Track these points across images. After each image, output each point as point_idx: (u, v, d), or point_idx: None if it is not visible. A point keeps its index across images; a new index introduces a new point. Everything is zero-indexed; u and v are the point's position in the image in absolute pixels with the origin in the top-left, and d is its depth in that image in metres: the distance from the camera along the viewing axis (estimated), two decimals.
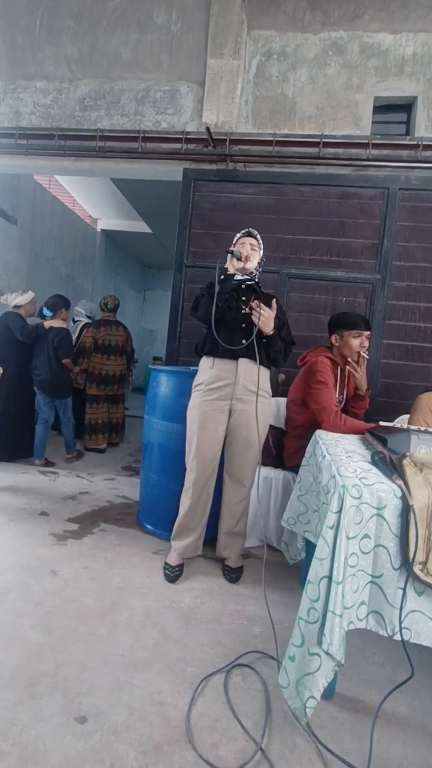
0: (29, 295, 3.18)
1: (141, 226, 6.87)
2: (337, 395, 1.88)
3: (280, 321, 1.75)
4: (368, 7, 2.78)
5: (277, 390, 2.81)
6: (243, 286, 1.74)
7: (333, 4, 2.81)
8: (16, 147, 3.02)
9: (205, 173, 2.90)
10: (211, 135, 2.75)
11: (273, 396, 2.48)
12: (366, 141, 2.69)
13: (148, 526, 2.11)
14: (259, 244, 1.75)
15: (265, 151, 2.79)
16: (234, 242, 1.78)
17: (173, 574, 1.69)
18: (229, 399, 1.66)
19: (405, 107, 2.90)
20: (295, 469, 1.87)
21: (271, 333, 1.64)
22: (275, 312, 1.65)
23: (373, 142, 2.69)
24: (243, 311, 1.69)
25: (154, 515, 2.08)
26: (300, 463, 1.65)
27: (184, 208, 2.91)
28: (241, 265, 1.68)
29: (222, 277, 1.63)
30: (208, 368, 1.69)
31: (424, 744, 1.06)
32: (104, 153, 2.94)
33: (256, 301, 1.63)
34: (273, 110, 2.89)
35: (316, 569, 0.98)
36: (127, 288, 9.41)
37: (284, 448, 2.09)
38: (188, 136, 2.85)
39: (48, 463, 3.12)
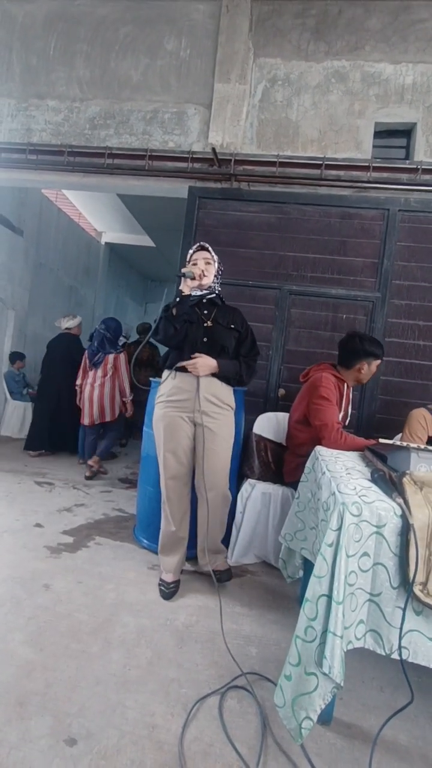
0: (78, 320, 3.88)
1: (144, 240, 6.99)
2: (341, 413, 1.88)
3: (240, 334, 1.77)
4: (369, 39, 2.90)
5: (277, 405, 2.81)
6: (204, 300, 1.75)
7: (335, 35, 2.93)
8: (26, 162, 3.10)
9: (210, 191, 2.97)
10: (217, 155, 2.83)
11: (272, 410, 2.50)
12: (367, 164, 2.77)
13: (144, 541, 2.08)
14: (213, 256, 1.76)
15: (269, 172, 2.87)
16: (187, 259, 1.79)
17: (169, 591, 1.65)
18: (191, 411, 1.65)
19: (404, 133, 2.99)
20: (294, 484, 1.85)
21: (217, 372, 1.66)
22: (210, 362, 1.65)
23: (374, 165, 2.77)
24: (205, 324, 1.71)
25: (151, 529, 2.05)
26: (299, 479, 1.64)
27: (188, 224, 2.97)
28: (196, 283, 1.69)
29: (177, 299, 1.64)
30: (169, 380, 1.68)
31: None
32: (112, 170, 3.01)
33: (188, 361, 1.64)
34: (277, 133, 2.97)
35: (315, 587, 0.97)
36: (129, 300, 9.51)
37: (284, 464, 2.08)
38: (194, 156, 2.93)
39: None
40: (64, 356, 3.68)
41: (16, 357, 4.66)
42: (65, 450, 3.75)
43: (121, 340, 3.57)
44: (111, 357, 3.26)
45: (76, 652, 1.29)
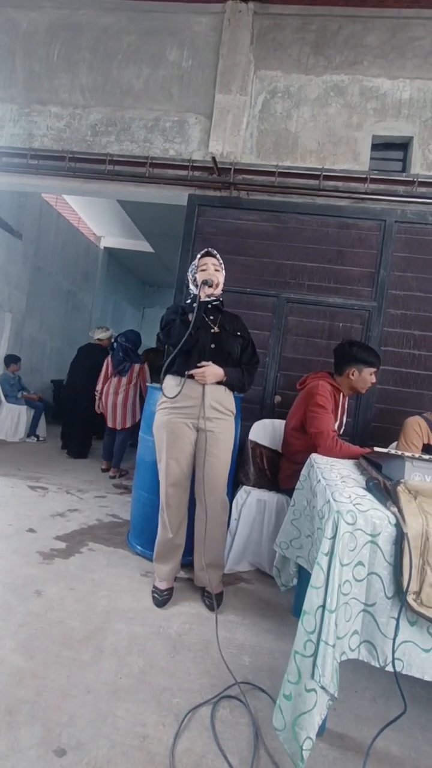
0: (109, 333, 4.19)
1: (143, 245, 7.03)
2: (336, 421, 1.89)
3: (244, 341, 1.78)
4: (367, 54, 2.96)
5: (273, 412, 2.82)
6: (209, 306, 1.77)
7: (335, 50, 3.00)
8: (28, 167, 3.11)
9: (210, 199, 3.00)
10: (217, 164, 2.86)
11: (269, 417, 2.50)
12: (364, 176, 2.82)
13: (138, 547, 2.07)
14: (220, 263, 1.78)
15: (268, 181, 2.90)
16: (196, 264, 1.80)
17: (162, 599, 1.64)
18: (195, 417, 1.65)
19: (401, 146, 3.05)
20: (289, 491, 1.85)
21: (224, 380, 1.68)
22: (218, 371, 1.66)
23: (371, 177, 2.81)
24: (212, 331, 1.72)
25: (145, 535, 2.04)
26: (295, 486, 1.64)
27: (187, 231, 2.99)
28: (212, 290, 1.71)
29: (195, 305, 1.65)
30: (174, 386, 1.67)
31: None
32: (113, 176, 3.04)
33: (195, 369, 1.65)
34: (276, 143, 3.02)
35: (312, 599, 0.95)
36: (127, 305, 9.53)
37: (280, 471, 2.08)
38: (194, 164, 2.96)
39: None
40: (91, 365, 3.92)
41: (11, 360, 4.64)
42: (80, 455, 3.97)
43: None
44: (137, 366, 3.53)
45: (68, 659, 1.27)
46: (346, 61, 2.98)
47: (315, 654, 0.92)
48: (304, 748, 0.89)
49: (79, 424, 3.98)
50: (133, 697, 1.17)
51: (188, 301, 1.77)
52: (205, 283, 1.67)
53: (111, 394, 3.48)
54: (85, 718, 1.08)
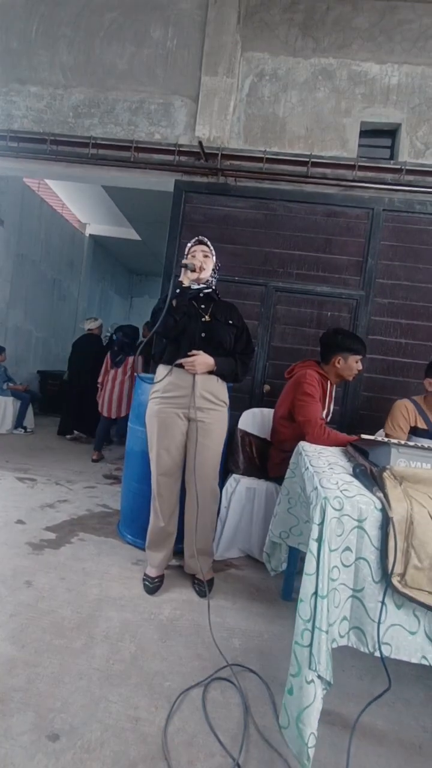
0: (98, 322, 4.57)
1: (130, 233, 6.89)
2: (324, 410, 1.91)
3: (238, 330, 1.77)
4: (356, 37, 2.91)
5: (262, 400, 2.83)
6: (201, 295, 1.75)
7: (323, 32, 2.94)
8: (7, 149, 3.00)
9: (197, 186, 2.94)
10: (204, 149, 2.80)
11: (257, 406, 2.52)
12: (353, 163, 2.80)
13: (128, 536, 2.08)
14: (211, 250, 1.76)
15: (256, 167, 2.86)
16: (186, 252, 1.79)
17: (153, 586, 1.66)
18: (186, 407, 1.65)
19: (389, 133, 3.03)
20: (278, 479, 1.88)
21: (214, 370, 1.66)
22: (208, 360, 1.65)
23: (360, 164, 2.80)
24: (203, 319, 1.70)
25: (135, 525, 2.05)
26: (284, 474, 1.66)
27: (174, 218, 2.94)
28: (195, 275, 1.69)
29: (177, 290, 1.64)
30: (164, 376, 1.68)
31: (400, 756, 1.07)
32: (96, 160, 2.95)
33: (186, 358, 1.64)
34: (264, 128, 2.97)
35: (307, 586, 0.95)
36: (114, 294, 9.37)
37: (269, 459, 2.11)
38: (181, 149, 2.89)
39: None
40: (87, 353, 4.35)
41: None
42: (85, 431, 4.32)
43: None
44: (131, 359, 3.78)
45: (59, 647, 1.28)
46: (335, 44, 2.93)
47: (311, 643, 0.92)
48: (309, 745, 0.88)
49: (90, 409, 4.24)
50: (125, 681, 1.19)
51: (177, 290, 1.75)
52: (185, 266, 1.65)
53: (109, 384, 3.79)
54: (78, 703, 1.10)
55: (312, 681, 0.92)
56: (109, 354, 3.87)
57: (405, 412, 1.95)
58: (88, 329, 4.52)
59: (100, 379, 3.86)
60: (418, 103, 2.89)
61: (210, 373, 1.67)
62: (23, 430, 4.43)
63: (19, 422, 4.44)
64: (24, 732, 1.00)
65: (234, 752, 1.01)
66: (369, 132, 3.02)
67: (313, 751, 0.89)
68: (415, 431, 1.92)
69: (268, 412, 2.32)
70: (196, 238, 1.78)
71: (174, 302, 1.62)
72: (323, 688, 0.93)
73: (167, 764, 0.96)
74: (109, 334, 4.70)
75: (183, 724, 1.08)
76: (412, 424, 1.93)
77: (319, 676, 0.92)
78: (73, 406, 4.37)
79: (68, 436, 4.35)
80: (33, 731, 1.00)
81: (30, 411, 4.56)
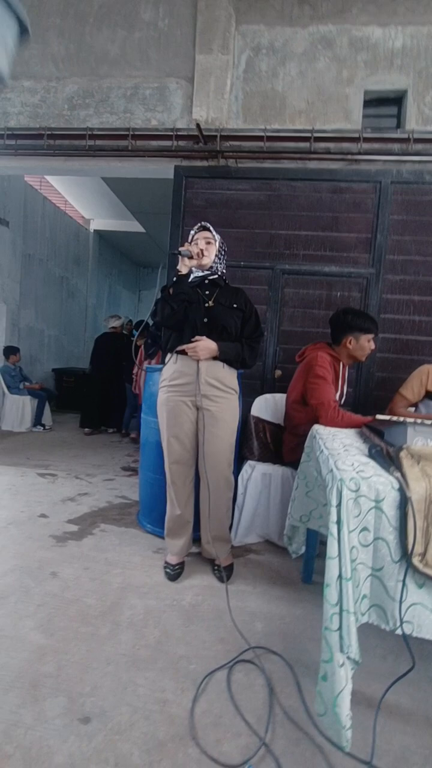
0: (121, 320, 4.84)
1: (134, 226, 6.85)
2: (337, 392, 1.88)
3: (244, 314, 1.72)
4: (356, 0, 2.77)
5: (274, 386, 2.81)
6: (206, 282, 1.72)
7: None
8: (5, 148, 3.00)
9: (197, 170, 2.88)
10: (202, 131, 2.74)
11: (269, 392, 2.50)
12: (357, 135, 2.69)
13: (148, 526, 2.11)
14: (214, 236, 1.72)
15: (256, 147, 2.78)
16: (189, 239, 1.75)
17: (174, 573, 1.69)
18: (193, 395, 1.64)
19: (395, 100, 2.90)
20: (294, 464, 1.87)
21: (217, 355, 1.63)
22: (211, 345, 1.62)
23: (365, 136, 2.69)
24: (206, 305, 1.67)
25: (154, 514, 2.07)
26: (299, 458, 1.65)
27: (176, 205, 2.90)
28: (194, 262, 1.65)
29: (174, 279, 1.60)
30: (171, 364, 1.67)
31: (427, 734, 1.06)
32: (94, 152, 2.92)
33: (189, 343, 1.61)
34: (263, 105, 2.87)
35: (332, 570, 0.94)
36: (122, 288, 9.39)
37: (283, 444, 2.09)
38: (178, 133, 2.83)
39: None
40: (110, 350, 4.58)
41: (10, 351, 4.62)
42: (112, 425, 4.66)
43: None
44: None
45: (86, 635, 1.32)
46: (334, 10, 2.79)
47: (340, 627, 0.92)
48: (346, 727, 0.89)
49: (115, 403, 4.60)
50: (151, 666, 1.22)
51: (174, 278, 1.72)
52: (180, 254, 1.62)
53: (143, 374, 4.06)
54: (107, 687, 1.13)
55: (343, 664, 0.92)
56: (142, 346, 4.01)
57: (425, 377, 1.94)
58: (111, 327, 4.75)
59: (135, 371, 4.17)
60: (424, 66, 2.75)
61: (215, 358, 1.64)
62: (42, 428, 4.53)
63: (37, 420, 4.54)
64: (57, 716, 1.03)
65: (260, 732, 1.02)
66: (373, 101, 2.89)
67: (351, 733, 0.90)
68: (430, 395, 1.92)
69: (280, 398, 2.30)
70: (199, 224, 1.75)
71: (170, 290, 1.60)
72: (352, 668, 0.94)
73: (195, 743, 0.98)
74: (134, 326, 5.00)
75: (209, 705, 1.10)
76: (429, 389, 1.92)
77: (348, 658, 0.92)
78: (97, 402, 4.56)
79: (86, 430, 4.49)
80: (65, 715, 1.04)
81: (47, 409, 4.65)
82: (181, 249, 1.63)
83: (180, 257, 1.63)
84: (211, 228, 1.73)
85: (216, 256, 1.73)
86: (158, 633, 1.36)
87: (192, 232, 1.76)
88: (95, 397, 4.55)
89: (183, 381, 1.64)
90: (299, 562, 1.82)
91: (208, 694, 1.13)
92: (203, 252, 1.67)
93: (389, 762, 0.97)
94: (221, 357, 1.64)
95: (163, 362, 1.76)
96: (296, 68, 2.84)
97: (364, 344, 1.87)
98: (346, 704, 0.91)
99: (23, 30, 0.82)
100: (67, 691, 1.11)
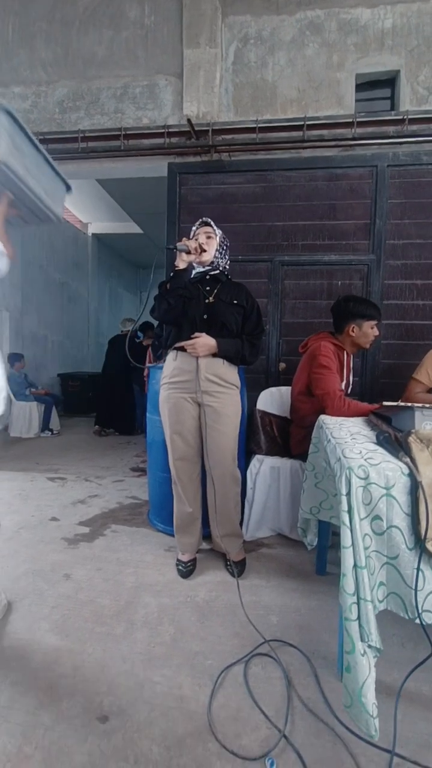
0: (135, 323, 4.87)
1: (132, 227, 6.85)
2: (342, 381, 1.85)
3: (245, 310, 1.70)
4: None
5: (279, 379, 2.79)
6: (207, 277, 1.70)
7: None
8: None
9: (190, 166, 2.87)
10: (193, 127, 2.72)
11: (274, 385, 2.48)
12: (350, 120, 2.65)
13: (159, 524, 2.11)
14: (215, 231, 1.70)
15: (249, 139, 2.76)
16: (191, 236, 1.73)
17: (186, 570, 1.68)
18: (193, 391, 1.62)
19: (388, 82, 2.85)
20: (302, 456, 1.85)
21: (216, 352, 1.61)
22: (209, 342, 1.60)
23: (358, 120, 2.65)
24: (206, 301, 1.65)
25: (164, 512, 2.07)
26: (308, 450, 1.63)
27: (171, 202, 2.89)
28: (192, 257, 1.63)
29: (171, 274, 1.59)
30: (171, 361, 1.66)
31: None
32: (87, 153, 2.92)
33: (187, 341, 1.60)
34: (254, 96, 2.85)
35: (347, 559, 0.93)
36: (123, 291, 9.40)
37: (291, 437, 2.08)
38: (170, 130, 2.82)
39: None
40: (119, 352, 4.62)
41: (14, 358, 4.65)
42: (115, 426, 4.70)
43: (140, 336, 4.53)
44: None
45: (101, 635, 1.32)
46: None
47: (359, 616, 0.91)
48: (374, 716, 0.89)
49: (120, 405, 4.65)
50: (167, 663, 1.21)
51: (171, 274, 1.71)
52: (176, 248, 1.60)
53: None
54: (124, 686, 1.13)
55: (365, 653, 0.91)
56: (150, 348, 4.08)
57: None
58: (124, 330, 4.89)
59: (145, 373, 4.27)
60: (416, 45, 2.70)
61: (214, 355, 1.63)
62: (50, 433, 4.56)
63: (45, 425, 4.57)
64: (75, 716, 1.03)
65: (280, 724, 1.01)
66: (366, 84, 2.85)
67: (378, 721, 0.89)
68: None
69: (285, 391, 2.28)
70: (201, 219, 1.73)
71: (167, 285, 1.59)
72: (374, 657, 0.93)
73: (215, 738, 0.98)
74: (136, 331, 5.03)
75: (227, 699, 1.09)
76: None
77: (369, 646, 0.91)
78: (104, 405, 4.67)
79: (96, 428, 4.63)
80: (83, 714, 1.04)
81: (54, 414, 4.68)
82: (177, 244, 1.61)
83: (177, 252, 1.61)
84: (212, 223, 1.71)
85: (217, 250, 1.71)
86: (173, 630, 1.36)
87: (193, 228, 1.74)
88: (103, 397, 4.69)
89: (183, 378, 1.63)
90: (312, 554, 1.80)
91: (225, 689, 1.13)
92: (202, 246, 1.65)
93: (412, 749, 0.96)
94: (220, 354, 1.63)
95: (163, 359, 1.76)
96: (285, 56, 2.81)
97: (368, 331, 1.85)
98: (371, 693, 0.90)
99: (68, 188, 1.49)
100: (84, 690, 1.11)
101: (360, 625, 0.91)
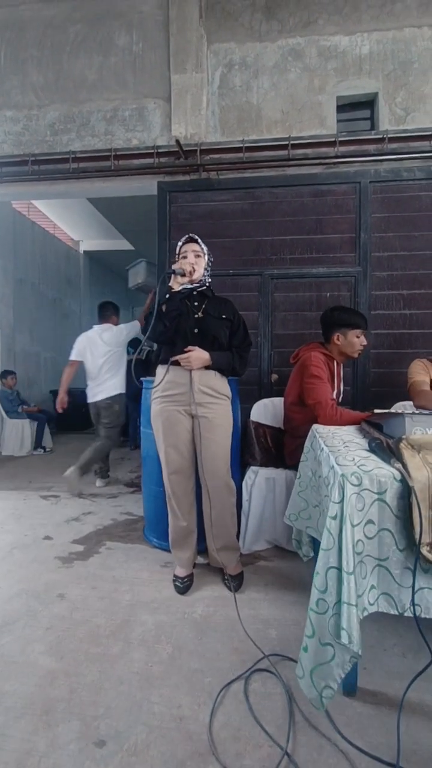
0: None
1: (123, 244, 6.94)
2: (334, 390, 1.88)
3: (233, 324, 1.74)
4: (321, 12, 2.87)
5: (271, 390, 2.81)
6: (194, 293, 1.74)
7: (287, 12, 2.90)
8: None
9: (179, 185, 2.94)
10: (182, 147, 2.80)
11: (267, 397, 2.50)
12: (333, 139, 2.76)
13: (155, 540, 2.08)
14: (203, 248, 1.73)
15: (236, 158, 2.85)
16: (177, 251, 1.76)
17: (183, 586, 1.66)
18: (187, 404, 1.64)
19: (367, 104, 2.98)
20: (296, 466, 1.85)
21: (210, 365, 1.64)
22: (203, 355, 1.63)
23: (340, 139, 2.75)
24: (195, 316, 1.69)
25: (159, 528, 2.04)
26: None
27: (161, 220, 2.95)
28: (186, 279, 1.67)
29: (167, 296, 1.63)
30: (162, 375, 1.67)
31: None
32: (78, 174, 2.98)
33: (181, 355, 1.63)
34: (240, 118, 2.95)
35: (323, 560, 0.98)
36: None
37: (285, 447, 2.08)
38: (159, 150, 2.90)
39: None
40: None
41: (5, 375, 4.62)
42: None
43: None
44: None
45: (97, 655, 1.29)
46: (300, 22, 2.89)
47: (330, 612, 0.95)
48: (323, 695, 0.96)
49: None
50: (165, 682, 1.19)
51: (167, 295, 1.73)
52: (174, 273, 1.64)
53: None
54: (121, 708, 1.10)
55: (328, 644, 0.96)
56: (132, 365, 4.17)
57: (423, 368, 1.96)
58: None
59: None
60: (392, 69, 2.83)
61: (207, 368, 1.65)
62: (42, 450, 4.50)
63: (38, 443, 4.51)
64: (70, 741, 1.00)
65: (281, 741, 0.99)
66: (346, 106, 2.97)
67: (328, 701, 0.97)
68: None
69: (278, 401, 2.30)
70: (187, 235, 1.76)
71: (164, 307, 1.62)
72: (351, 657, 0.95)
73: (216, 759, 0.95)
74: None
75: (227, 718, 1.07)
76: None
77: (341, 644, 0.94)
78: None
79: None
80: (79, 739, 1.01)
81: (47, 431, 4.63)
82: (174, 268, 1.65)
83: (174, 275, 1.65)
84: (199, 240, 1.75)
85: (204, 268, 1.75)
86: (171, 648, 1.33)
87: (179, 243, 1.78)
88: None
89: (176, 391, 1.64)
90: (310, 566, 1.79)
91: (225, 707, 1.10)
92: (194, 267, 1.69)
93: (417, 762, 0.94)
94: (213, 366, 1.66)
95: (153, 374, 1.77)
96: (269, 81, 2.92)
97: (353, 340, 1.88)
98: (326, 677, 0.97)
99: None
100: (80, 714, 1.08)
101: (340, 626, 0.92)
